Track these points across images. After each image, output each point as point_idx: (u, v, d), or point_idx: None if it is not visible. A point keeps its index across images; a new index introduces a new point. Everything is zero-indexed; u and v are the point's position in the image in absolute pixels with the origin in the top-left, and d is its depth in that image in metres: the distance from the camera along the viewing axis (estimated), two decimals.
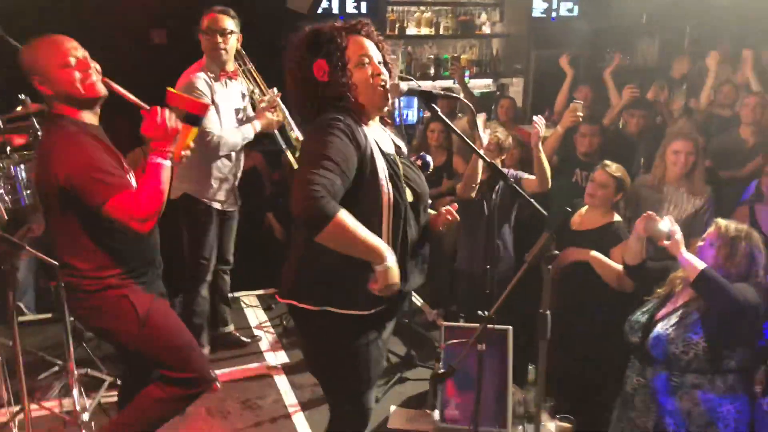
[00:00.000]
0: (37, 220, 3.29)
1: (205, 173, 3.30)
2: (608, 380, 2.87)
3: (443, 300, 4.28)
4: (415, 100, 5.92)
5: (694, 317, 2.44)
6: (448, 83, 6.17)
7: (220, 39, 3.18)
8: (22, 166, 3.00)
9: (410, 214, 2.00)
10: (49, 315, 3.90)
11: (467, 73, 6.37)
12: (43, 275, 3.99)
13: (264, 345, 3.88)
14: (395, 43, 6.22)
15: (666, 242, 2.50)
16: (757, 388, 2.52)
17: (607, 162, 3.23)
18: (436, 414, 3.01)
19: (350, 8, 5.92)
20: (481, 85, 6.68)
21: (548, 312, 2.00)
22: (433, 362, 3.58)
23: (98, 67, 2.17)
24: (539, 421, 2.18)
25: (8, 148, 2.99)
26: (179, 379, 2.27)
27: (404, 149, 2.15)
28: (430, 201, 2.17)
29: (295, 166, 3.14)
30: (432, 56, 6.49)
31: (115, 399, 2.69)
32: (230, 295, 3.86)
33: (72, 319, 2.52)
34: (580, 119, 3.67)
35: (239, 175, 3.50)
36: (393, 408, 3.26)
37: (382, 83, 1.97)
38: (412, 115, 6.18)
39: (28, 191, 3.03)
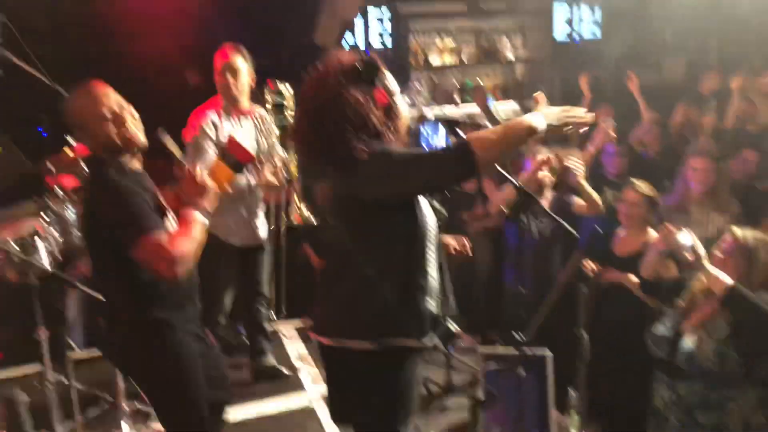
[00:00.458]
0: (85, 260, 3.43)
1: (217, 210, 3.33)
2: (635, 397, 2.85)
3: (480, 325, 4.28)
4: (438, 128, 6.00)
5: (724, 329, 2.42)
6: (473, 109, 6.24)
7: (230, 77, 3.23)
8: (73, 208, 3.13)
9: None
10: (97, 352, 4.01)
11: (492, 99, 6.44)
12: (90, 312, 4.12)
13: (304, 377, 3.91)
14: (419, 72, 6.34)
15: (688, 256, 2.48)
16: None
17: (635, 181, 3.24)
18: None
19: (375, 41, 6.07)
20: (506, 109, 6.74)
21: (584, 333, 2.02)
22: (472, 389, 3.57)
23: (136, 114, 2.22)
24: None
25: (59, 191, 3.13)
26: None
27: None
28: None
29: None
30: (456, 83, 6.58)
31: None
32: (268, 326, 3.90)
33: None
34: (614, 138, 3.70)
35: (258, 210, 3.51)
36: None
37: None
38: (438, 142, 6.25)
39: (78, 232, 3.16)
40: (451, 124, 2.10)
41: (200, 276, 3.37)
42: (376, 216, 1.86)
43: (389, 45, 6.12)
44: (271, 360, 3.84)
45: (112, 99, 2.18)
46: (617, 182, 3.87)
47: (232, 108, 3.31)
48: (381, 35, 6.12)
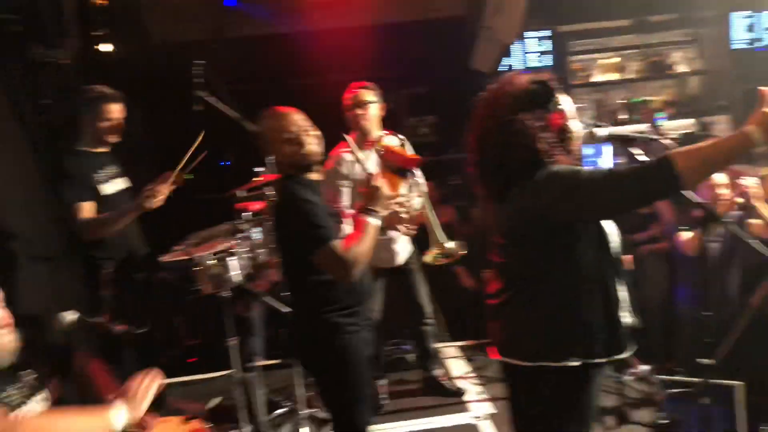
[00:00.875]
0: (267, 276, 3.76)
1: None
2: None
3: (652, 349, 4.02)
4: (602, 148, 5.78)
5: None
6: (642, 128, 5.93)
7: (360, 111, 3.50)
8: (259, 228, 3.48)
9: None
10: (278, 360, 4.36)
11: (664, 116, 6.09)
12: (272, 324, 4.48)
13: (468, 395, 3.93)
14: (582, 92, 6.17)
15: None
16: None
17: None
18: None
19: (533, 60, 6.02)
20: (680, 126, 6.32)
21: None
22: (648, 419, 3.36)
23: (316, 131, 2.46)
24: None
25: (247, 214, 3.49)
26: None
27: None
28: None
29: None
30: (622, 101, 6.31)
31: None
32: (434, 341, 4.01)
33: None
34: None
35: (394, 233, 3.49)
36: None
37: None
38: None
39: (263, 250, 3.49)
40: (624, 143, 2.06)
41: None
42: (567, 235, 1.85)
43: (549, 63, 6.03)
44: (439, 373, 4.00)
45: (293, 121, 2.44)
46: None
47: (363, 140, 3.51)
48: (540, 54, 6.06)
